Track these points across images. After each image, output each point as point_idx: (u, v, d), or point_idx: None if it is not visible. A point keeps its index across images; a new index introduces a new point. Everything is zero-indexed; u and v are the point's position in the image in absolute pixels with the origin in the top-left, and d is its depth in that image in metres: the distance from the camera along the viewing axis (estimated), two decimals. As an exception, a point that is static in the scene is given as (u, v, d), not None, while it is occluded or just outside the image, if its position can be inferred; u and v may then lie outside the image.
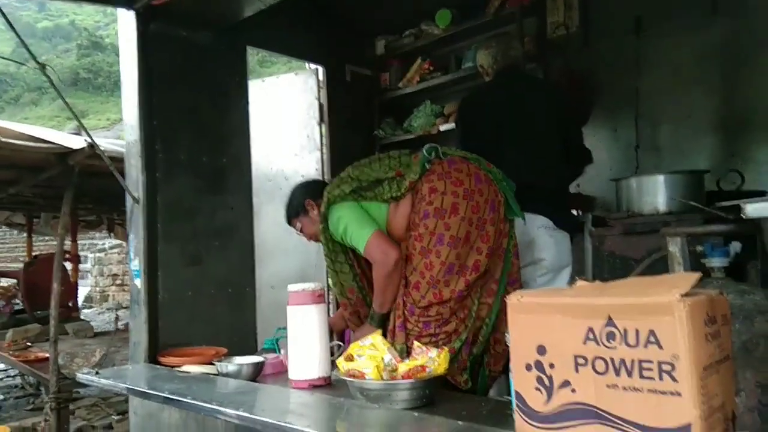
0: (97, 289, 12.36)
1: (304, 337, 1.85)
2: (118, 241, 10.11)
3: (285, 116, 3.92)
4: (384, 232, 2.02)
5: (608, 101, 3.32)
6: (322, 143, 3.81)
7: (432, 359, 1.59)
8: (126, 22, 2.60)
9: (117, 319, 5.88)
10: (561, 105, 2.62)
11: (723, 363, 1.08)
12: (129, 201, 2.58)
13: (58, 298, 3.50)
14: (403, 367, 1.58)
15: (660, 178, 2.21)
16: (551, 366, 1.12)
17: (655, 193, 2.19)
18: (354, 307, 2.19)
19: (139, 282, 2.54)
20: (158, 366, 2.39)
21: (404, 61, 4.06)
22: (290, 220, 2.32)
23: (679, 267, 1.51)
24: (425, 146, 2.06)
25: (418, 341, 1.77)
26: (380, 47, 4.03)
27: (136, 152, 2.56)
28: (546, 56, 3.34)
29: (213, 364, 2.14)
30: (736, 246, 1.49)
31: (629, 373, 1.03)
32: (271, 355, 2.22)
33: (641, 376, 1.02)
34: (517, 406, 1.15)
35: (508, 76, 2.76)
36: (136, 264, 2.56)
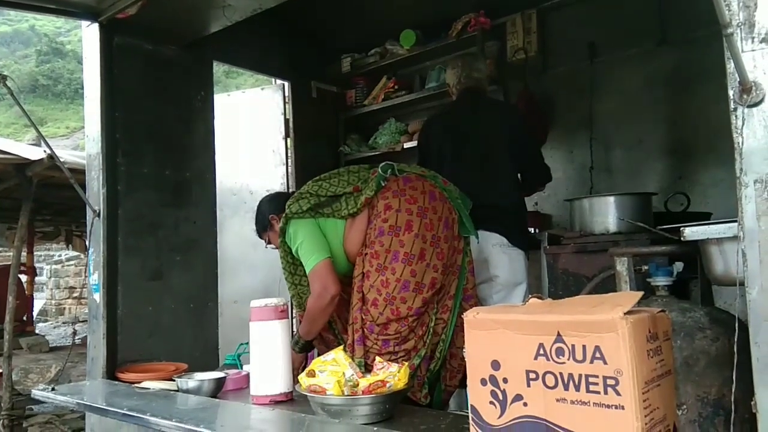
0: (53, 302, 11.95)
1: (266, 353, 1.86)
2: (76, 253, 9.84)
3: (250, 130, 3.93)
4: (333, 248, 2.05)
5: (565, 124, 3.44)
6: (287, 158, 3.82)
7: (392, 374, 1.63)
8: (90, 35, 2.59)
9: (74, 333, 5.72)
10: (519, 125, 2.70)
11: (664, 377, 1.14)
12: (89, 214, 2.55)
13: (13, 311, 3.41)
14: (364, 382, 1.61)
15: (610, 200, 2.30)
16: (505, 381, 1.17)
17: (605, 213, 2.28)
18: None
19: (97, 296, 2.51)
20: (116, 382, 2.35)
21: (369, 79, 4.13)
22: (260, 234, 2.35)
23: (625, 285, 1.59)
24: (381, 164, 2.11)
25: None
26: (346, 65, 4.09)
27: (98, 165, 2.54)
28: (506, 79, 3.45)
29: (173, 380, 2.13)
30: (678, 266, 1.57)
31: (577, 388, 1.08)
32: (232, 371, 2.22)
33: (588, 390, 1.07)
34: (473, 419, 1.19)
35: (470, 97, 2.84)
36: (95, 278, 2.53)
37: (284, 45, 3.71)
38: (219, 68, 3.49)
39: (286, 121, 3.83)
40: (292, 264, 2.14)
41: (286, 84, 3.83)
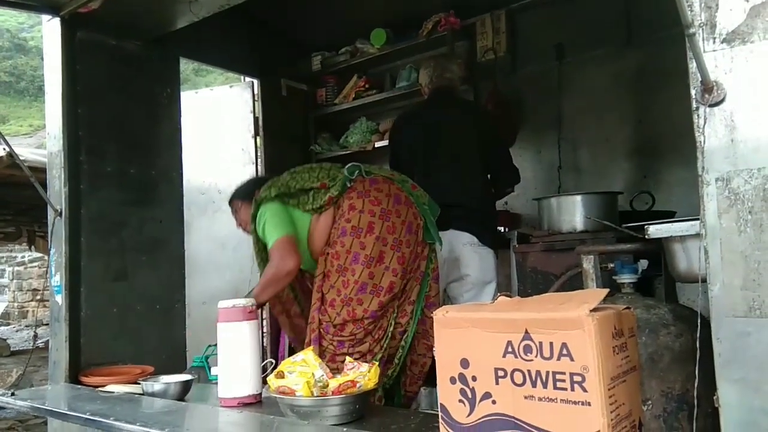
0: (16, 304, 11.64)
1: (234, 354, 1.83)
2: (39, 254, 9.59)
3: (219, 128, 3.87)
4: (297, 240, 2.04)
5: (533, 124, 3.48)
6: (257, 156, 3.78)
7: (363, 374, 1.62)
8: (51, 30, 2.52)
9: (35, 336, 5.57)
10: (489, 128, 2.72)
11: (630, 374, 1.16)
12: (51, 214, 2.48)
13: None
14: (334, 383, 1.59)
15: (577, 199, 2.34)
16: (474, 378, 1.18)
17: (572, 212, 2.32)
18: (284, 306, 2.19)
19: (60, 298, 2.44)
20: (80, 386, 2.29)
21: (340, 77, 4.11)
22: (232, 201, 2.35)
23: (592, 283, 1.61)
24: (348, 165, 2.10)
25: (333, 361, 1.79)
26: (316, 63, 4.06)
27: (59, 163, 2.47)
28: (476, 79, 3.47)
29: (138, 384, 2.08)
30: (643, 263, 1.60)
31: (544, 385, 1.09)
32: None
33: (555, 387, 1.08)
34: (442, 418, 1.19)
35: (441, 97, 2.85)
36: (57, 279, 2.46)
37: (254, 42, 3.66)
38: (188, 66, 3.44)
39: (256, 119, 3.78)
40: (264, 250, 2.12)
41: (256, 82, 3.79)
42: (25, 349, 5.20)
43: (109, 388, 2.16)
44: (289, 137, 3.94)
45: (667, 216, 2.02)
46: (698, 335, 1.17)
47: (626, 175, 3.03)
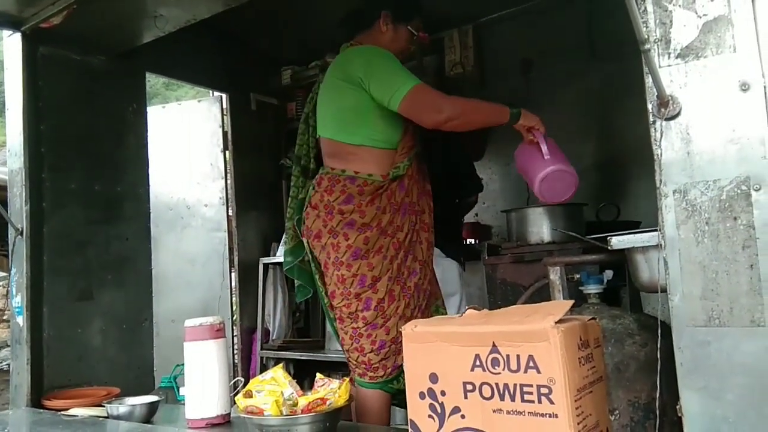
0: (-25, 326, 11.25)
1: (201, 374, 1.80)
2: (3, 274, 9.30)
3: (188, 143, 3.83)
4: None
5: (502, 137, 3.51)
6: (226, 171, 3.74)
7: (333, 391, 1.60)
8: (12, 45, 2.46)
9: (-4, 359, 5.39)
10: (454, 142, 2.74)
11: (596, 384, 1.17)
12: (11, 233, 2.41)
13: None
14: (304, 401, 1.58)
15: (543, 210, 2.37)
16: (443, 393, 1.17)
17: (539, 224, 2.34)
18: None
19: (21, 320, 2.37)
20: (42, 410, 2.22)
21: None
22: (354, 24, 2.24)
23: (558, 294, 1.63)
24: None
25: None
26: (286, 77, 4.04)
27: (20, 180, 2.41)
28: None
29: (103, 406, 2.02)
30: (608, 274, 1.63)
31: (512, 398, 1.09)
32: None
33: (523, 400, 1.08)
34: (411, 434, 1.19)
35: None
36: (18, 300, 2.39)
37: (222, 56, 3.64)
38: (158, 80, 3.39)
39: (225, 133, 3.75)
40: (349, 98, 1.99)
41: (224, 96, 3.76)
42: (-14, 373, 5.03)
43: (72, 411, 2.10)
44: (260, 151, 3.90)
45: (633, 226, 2.05)
46: (660, 345, 1.19)
47: (593, 187, 3.07)
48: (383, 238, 1.94)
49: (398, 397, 1.96)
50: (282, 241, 2.97)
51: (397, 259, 1.96)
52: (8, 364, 4.74)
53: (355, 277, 1.91)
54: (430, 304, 2.09)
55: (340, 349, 2.10)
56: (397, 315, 1.91)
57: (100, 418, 1.98)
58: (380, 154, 1.99)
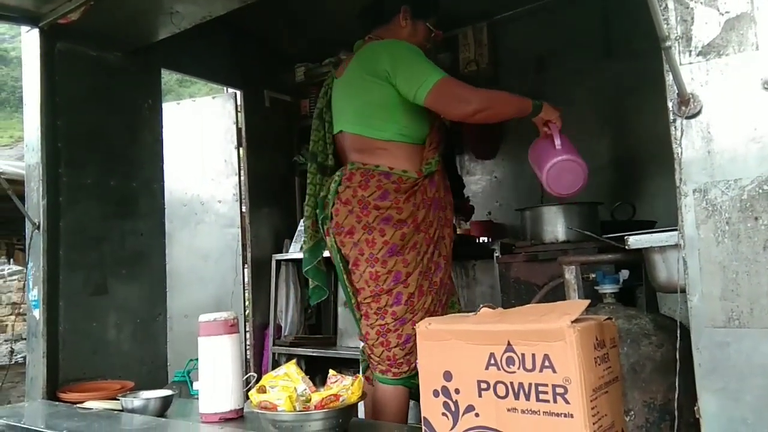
0: (-6, 319, 11.41)
1: (215, 369, 1.81)
2: (19, 267, 9.42)
3: (201, 140, 3.85)
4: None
5: (516, 136, 3.49)
6: (240, 168, 3.76)
7: (346, 387, 1.60)
8: (30, 41, 2.49)
9: (12, 352, 5.46)
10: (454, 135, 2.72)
11: (612, 384, 1.16)
12: (28, 227, 2.44)
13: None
14: (317, 397, 1.58)
15: (558, 209, 2.35)
16: (457, 391, 1.17)
17: (554, 223, 2.33)
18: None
19: (37, 313, 2.40)
20: (57, 403, 2.25)
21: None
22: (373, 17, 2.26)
23: (574, 294, 1.62)
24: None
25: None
26: (300, 74, 4.04)
27: (37, 175, 2.44)
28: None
29: (118, 400, 2.04)
30: (624, 273, 1.62)
31: (527, 397, 1.09)
32: None
33: (538, 399, 1.08)
34: (425, 432, 1.18)
35: None
36: (35, 294, 2.42)
37: (236, 53, 3.65)
38: (172, 77, 3.41)
39: (239, 130, 3.76)
40: (376, 92, 1.96)
41: (238, 93, 3.77)
42: (2, 365, 5.08)
43: (87, 404, 2.12)
44: (273, 148, 3.91)
45: (648, 226, 2.03)
46: (678, 345, 1.18)
47: (608, 185, 3.05)
48: (417, 235, 1.93)
49: (417, 393, 1.96)
50: (302, 240, 2.94)
51: (427, 254, 1.95)
52: (24, 357, 4.80)
53: (390, 273, 1.89)
54: (449, 300, 2.09)
55: (352, 345, 2.10)
56: (423, 310, 1.91)
57: (115, 412, 2.00)
58: (410, 150, 1.98)
